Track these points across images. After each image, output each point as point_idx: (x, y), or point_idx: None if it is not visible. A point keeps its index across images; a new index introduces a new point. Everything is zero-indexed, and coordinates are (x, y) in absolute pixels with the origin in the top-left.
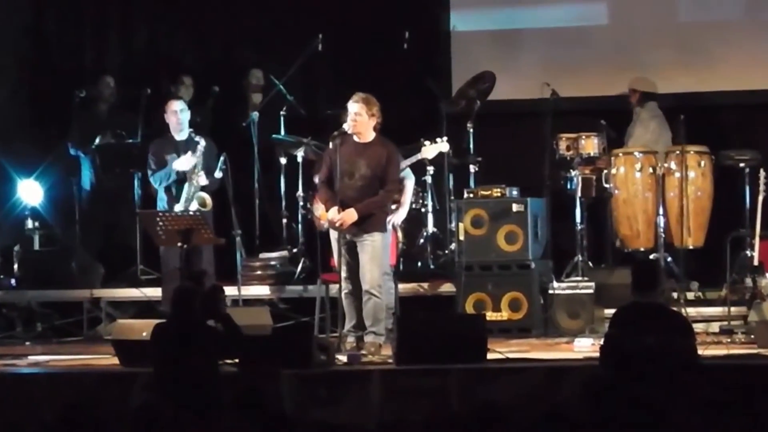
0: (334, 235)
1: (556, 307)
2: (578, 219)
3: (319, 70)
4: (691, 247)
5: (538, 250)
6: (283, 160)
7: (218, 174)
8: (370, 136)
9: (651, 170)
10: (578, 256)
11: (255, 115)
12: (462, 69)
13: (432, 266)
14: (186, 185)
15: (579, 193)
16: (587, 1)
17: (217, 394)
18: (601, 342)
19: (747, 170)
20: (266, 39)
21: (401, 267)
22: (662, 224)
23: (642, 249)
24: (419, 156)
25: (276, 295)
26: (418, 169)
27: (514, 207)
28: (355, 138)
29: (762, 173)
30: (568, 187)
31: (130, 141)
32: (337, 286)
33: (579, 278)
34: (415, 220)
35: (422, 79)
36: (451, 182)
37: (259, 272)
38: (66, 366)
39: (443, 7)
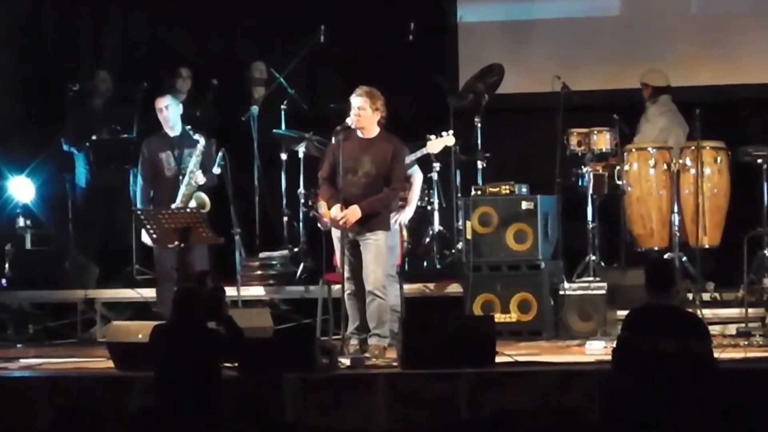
0: (336, 233)
1: (567, 309)
2: (590, 217)
3: (321, 62)
4: (706, 247)
5: (548, 250)
6: (284, 156)
7: (216, 170)
8: (374, 131)
9: (665, 167)
10: (590, 255)
11: (255, 109)
12: (469, 62)
13: (438, 266)
14: (182, 185)
15: (591, 191)
16: None
17: (218, 399)
18: (614, 345)
19: (765, 166)
20: (267, 30)
21: (406, 267)
22: (677, 223)
23: (656, 248)
24: (424, 150)
25: (277, 296)
26: (424, 165)
27: (524, 205)
28: (359, 133)
29: None
30: (580, 184)
31: (126, 136)
32: (340, 286)
33: (591, 279)
34: (420, 218)
35: (428, 72)
36: (458, 179)
37: (259, 272)
38: (59, 370)
39: None
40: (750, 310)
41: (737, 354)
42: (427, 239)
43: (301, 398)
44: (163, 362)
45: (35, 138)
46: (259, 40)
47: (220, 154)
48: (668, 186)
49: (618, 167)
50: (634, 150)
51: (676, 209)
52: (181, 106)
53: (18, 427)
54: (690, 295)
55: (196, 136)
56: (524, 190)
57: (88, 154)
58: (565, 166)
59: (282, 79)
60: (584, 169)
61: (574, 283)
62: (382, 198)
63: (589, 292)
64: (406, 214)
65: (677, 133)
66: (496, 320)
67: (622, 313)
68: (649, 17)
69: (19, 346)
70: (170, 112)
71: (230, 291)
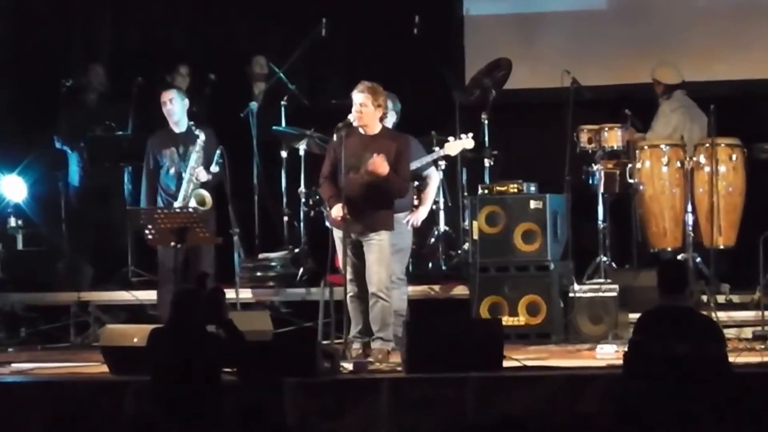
0: (338, 234)
1: (578, 312)
2: (601, 217)
3: (323, 57)
4: (721, 247)
5: (557, 250)
6: (284, 154)
7: (215, 168)
8: (376, 128)
9: (679, 164)
10: (601, 256)
11: (254, 105)
12: (476, 56)
13: (444, 267)
14: (184, 182)
15: (602, 189)
16: None
17: (218, 405)
18: (626, 349)
19: None
20: (267, 24)
21: (411, 268)
22: (691, 222)
23: (669, 249)
24: (441, 152)
25: (277, 298)
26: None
27: (532, 204)
28: (361, 130)
29: None
30: (590, 182)
31: (121, 133)
32: (343, 288)
33: (602, 280)
34: (426, 218)
35: (433, 67)
36: (465, 177)
37: (258, 274)
38: (52, 374)
39: None
40: (766, 313)
41: (753, 358)
42: (433, 239)
43: (302, 404)
44: (160, 367)
45: (27, 135)
46: (258, 34)
47: (218, 152)
48: (682, 184)
49: (630, 165)
50: (646, 147)
51: (689, 208)
52: (187, 101)
53: None
54: (704, 297)
55: (197, 131)
56: (533, 188)
57: (81, 151)
58: (575, 164)
59: (282, 74)
60: (595, 167)
61: (584, 285)
62: (400, 183)
63: (600, 294)
64: (420, 215)
65: (691, 128)
66: (504, 323)
67: (634, 316)
68: (662, 9)
69: (10, 350)
70: (175, 106)
71: (229, 293)
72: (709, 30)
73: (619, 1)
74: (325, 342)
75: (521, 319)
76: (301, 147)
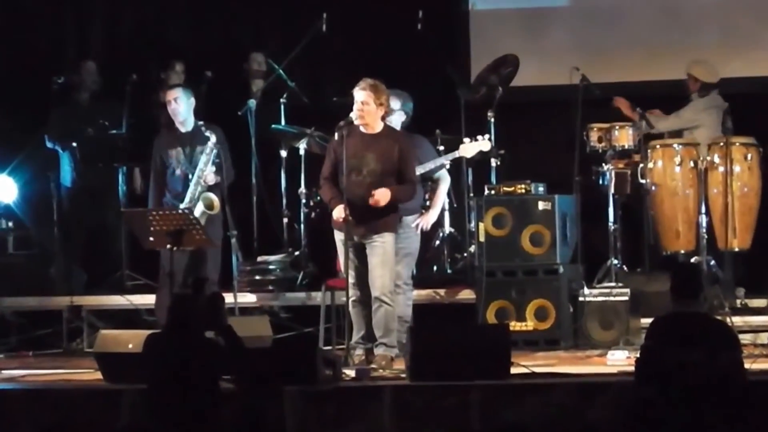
0: (340, 236)
1: (588, 317)
2: (611, 218)
3: (323, 53)
4: (736, 250)
5: (566, 253)
6: (283, 153)
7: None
8: (378, 126)
9: (692, 164)
10: (611, 259)
11: (252, 103)
12: (482, 52)
13: (449, 271)
14: (191, 185)
15: (612, 190)
16: None
17: (216, 413)
18: (637, 355)
19: None
20: (265, 19)
21: (415, 272)
22: (705, 224)
23: (682, 252)
24: (456, 154)
25: (276, 303)
26: None
27: (541, 205)
28: (362, 129)
29: None
30: (600, 182)
31: (115, 132)
32: (344, 293)
33: (612, 284)
34: None
35: (438, 63)
36: (470, 178)
37: (257, 277)
38: (44, 382)
39: None
40: None
41: None
42: (437, 242)
43: (303, 412)
44: (156, 374)
45: (17, 134)
46: (257, 30)
47: (215, 151)
48: (695, 185)
49: (641, 165)
50: (658, 147)
51: (703, 210)
52: (193, 99)
53: None
54: (719, 302)
55: (208, 132)
56: (541, 189)
57: (73, 151)
58: (584, 164)
59: (281, 71)
60: (605, 167)
61: (594, 289)
62: (407, 189)
63: (611, 298)
64: (430, 219)
65: (717, 131)
66: (511, 329)
67: (646, 321)
68: (675, 4)
69: (0, 356)
70: (180, 105)
71: (226, 298)
72: (723, 25)
73: None
74: (326, 348)
75: (529, 325)
76: (301, 146)
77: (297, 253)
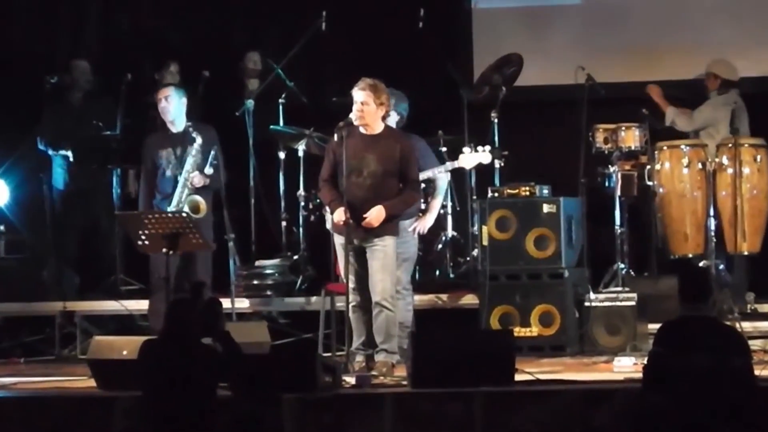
0: (339, 240)
1: (594, 322)
2: (618, 221)
3: (322, 52)
4: (746, 253)
5: (572, 257)
6: (282, 155)
7: (208, 170)
8: (378, 127)
9: (700, 166)
10: (618, 263)
11: (250, 103)
12: (485, 51)
13: (452, 275)
14: (179, 186)
15: (618, 192)
16: None
17: (212, 421)
18: (645, 361)
19: None
20: (263, 17)
21: (417, 276)
22: (713, 227)
23: (690, 255)
24: (456, 164)
25: (275, 308)
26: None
27: (545, 208)
28: (362, 130)
29: None
30: (606, 184)
31: (108, 133)
32: (344, 297)
33: (619, 289)
34: (433, 223)
35: (440, 63)
36: (473, 180)
37: (255, 282)
38: (36, 389)
39: None
40: None
41: None
42: (440, 246)
43: (301, 420)
44: (152, 381)
45: (9, 135)
46: (254, 28)
47: (212, 153)
48: (703, 187)
49: (648, 166)
50: (665, 148)
51: (712, 212)
52: (185, 98)
53: None
54: (728, 307)
55: (195, 134)
56: (545, 191)
57: (66, 152)
58: (590, 166)
59: (279, 71)
60: (611, 169)
61: (600, 294)
62: (405, 199)
63: (618, 303)
64: (427, 223)
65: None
66: (516, 334)
67: (654, 327)
68: (682, 2)
69: None
70: (170, 104)
71: (223, 303)
72: (730, 24)
73: None
74: (325, 354)
75: (534, 330)
76: (300, 147)
77: (296, 257)
